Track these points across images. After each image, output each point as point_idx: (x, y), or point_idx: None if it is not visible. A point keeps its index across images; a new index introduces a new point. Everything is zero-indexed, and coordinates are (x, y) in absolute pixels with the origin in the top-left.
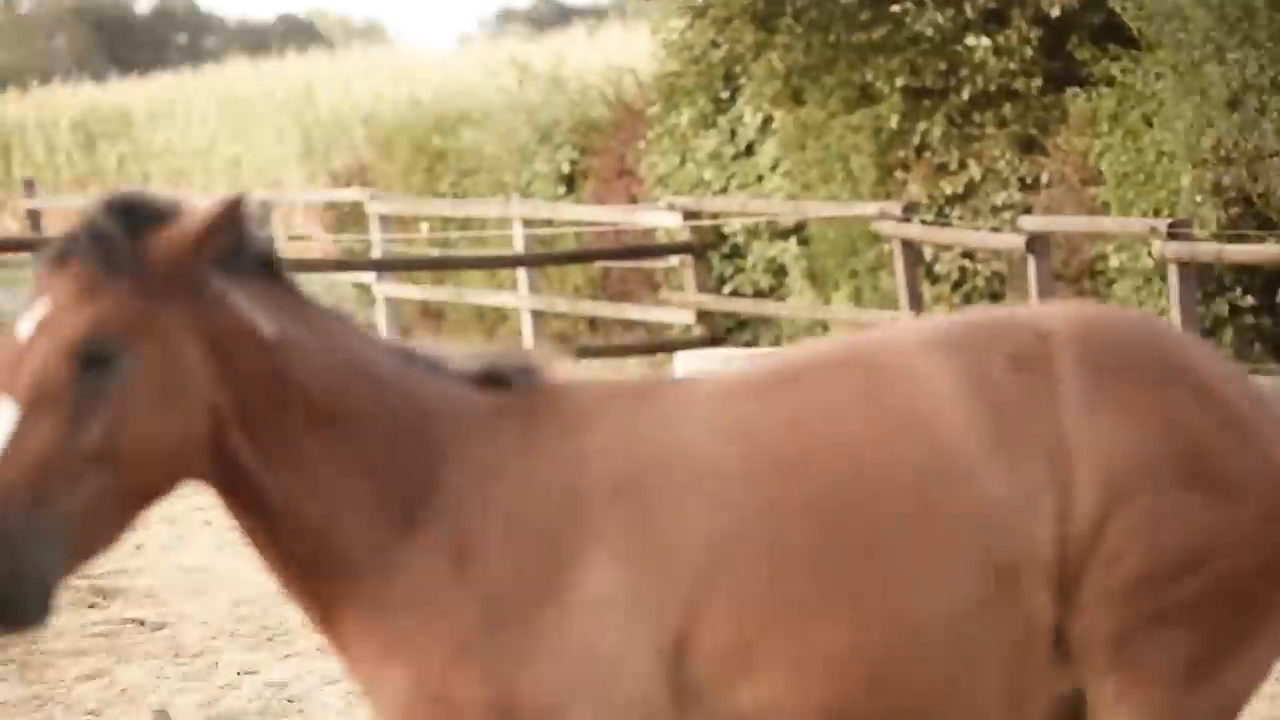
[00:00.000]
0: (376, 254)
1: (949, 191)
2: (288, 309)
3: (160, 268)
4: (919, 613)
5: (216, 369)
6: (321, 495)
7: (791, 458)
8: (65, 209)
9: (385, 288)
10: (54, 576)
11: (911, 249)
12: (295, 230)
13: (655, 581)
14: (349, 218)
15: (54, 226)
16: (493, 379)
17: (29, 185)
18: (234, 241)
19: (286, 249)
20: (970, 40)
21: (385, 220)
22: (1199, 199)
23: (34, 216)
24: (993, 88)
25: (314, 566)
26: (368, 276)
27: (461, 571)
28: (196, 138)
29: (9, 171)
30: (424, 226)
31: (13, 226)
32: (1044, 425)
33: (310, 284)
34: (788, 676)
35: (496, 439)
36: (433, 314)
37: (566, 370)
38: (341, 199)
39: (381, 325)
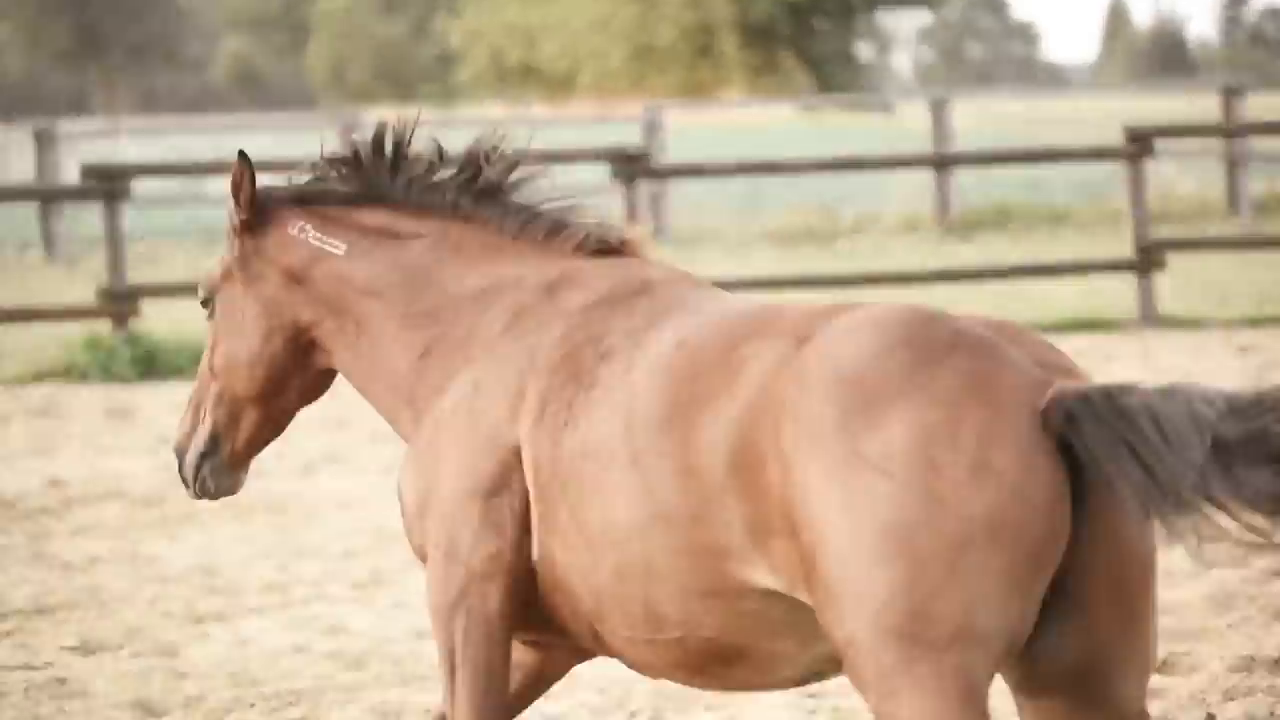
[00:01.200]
0: None
1: None
2: (370, 232)
3: (240, 226)
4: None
5: (300, 292)
6: (370, 361)
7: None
8: None
9: None
10: (220, 466)
11: None
12: None
13: (505, 411)
14: None
15: None
16: (599, 248)
17: None
18: (321, 188)
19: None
20: None
21: None
22: None
23: None
24: None
25: (382, 409)
26: None
27: (423, 411)
28: None
29: None
30: None
31: None
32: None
33: None
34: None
35: (507, 314)
36: None
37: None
38: None
39: None
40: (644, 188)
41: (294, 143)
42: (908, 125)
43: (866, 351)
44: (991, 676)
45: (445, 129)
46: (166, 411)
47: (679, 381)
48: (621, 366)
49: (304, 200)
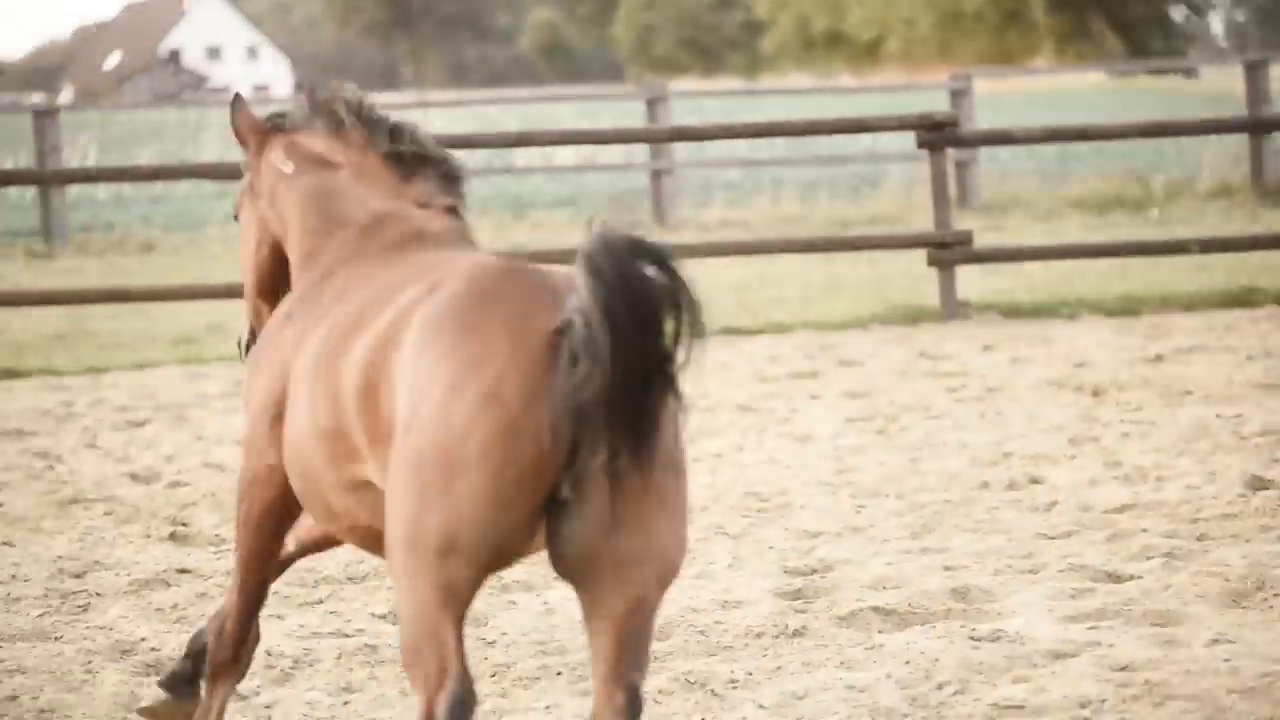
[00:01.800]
0: None
1: None
2: (312, 156)
3: (250, 155)
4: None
5: (272, 208)
6: (289, 249)
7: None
8: None
9: None
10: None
11: None
12: None
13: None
14: None
15: None
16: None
17: None
18: (296, 121)
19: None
20: None
21: None
22: None
23: None
24: None
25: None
26: None
27: (288, 311)
28: None
29: None
30: None
31: None
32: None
33: None
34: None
35: (360, 246)
36: None
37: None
38: None
39: None
40: (951, 155)
41: (600, 114)
42: (1221, 88)
43: (448, 299)
44: (478, 581)
45: (750, 98)
46: None
47: (352, 319)
48: (342, 304)
49: (283, 128)
